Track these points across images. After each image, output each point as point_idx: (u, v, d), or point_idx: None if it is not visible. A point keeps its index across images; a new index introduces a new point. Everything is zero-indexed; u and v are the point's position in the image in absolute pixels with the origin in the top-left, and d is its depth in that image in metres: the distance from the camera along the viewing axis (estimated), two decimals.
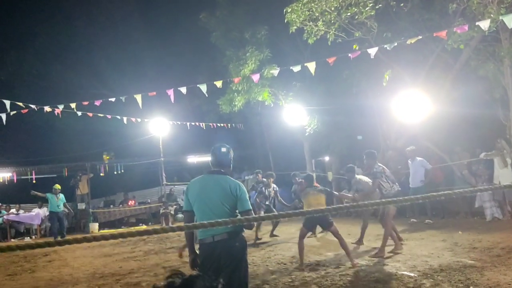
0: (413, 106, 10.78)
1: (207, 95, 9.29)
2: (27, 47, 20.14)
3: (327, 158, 17.92)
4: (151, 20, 20.78)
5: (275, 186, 10.15)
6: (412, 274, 5.89)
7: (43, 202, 16.64)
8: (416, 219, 11.10)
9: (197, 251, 3.70)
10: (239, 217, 3.55)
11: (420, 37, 7.52)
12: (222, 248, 3.49)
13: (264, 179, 10.36)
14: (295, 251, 8.40)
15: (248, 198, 3.64)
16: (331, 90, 14.18)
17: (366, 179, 7.84)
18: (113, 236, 1.79)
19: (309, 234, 9.26)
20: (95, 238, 1.75)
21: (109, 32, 20.19)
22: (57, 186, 13.94)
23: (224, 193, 3.56)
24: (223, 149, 3.82)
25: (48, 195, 13.71)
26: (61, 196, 13.97)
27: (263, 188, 10.00)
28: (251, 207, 3.63)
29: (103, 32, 19.99)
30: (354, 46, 10.33)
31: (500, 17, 6.59)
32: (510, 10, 7.94)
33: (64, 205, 14.11)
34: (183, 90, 8.97)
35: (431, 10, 10.40)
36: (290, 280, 6.15)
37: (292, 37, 13.08)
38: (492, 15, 7.05)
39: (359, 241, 8.44)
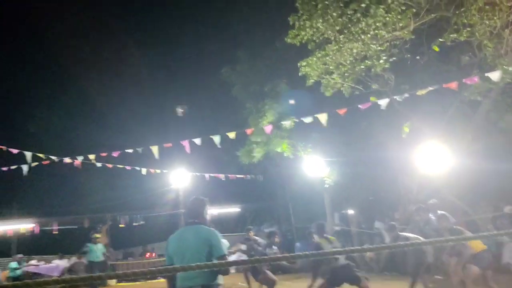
0: (434, 158, 10.59)
1: (219, 146, 9.41)
2: (56, 101, 21.06)
3: (350, 211, 17.56)
4: (175, 75, 21.54)
5: (258, 238, 9.71)
6: None
7: (63, 253, 16.73)
8: (441, 276, 10.57)
9: None
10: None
11: (431, 88, 7.52)
12: None
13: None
14: None
15: (222, 245, 3.72)
16: (350, 141, 14.13)
17: (412, 235, 7.68)
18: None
19: None
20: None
21: (135, 86, 21.01)
22: (96, 235, 13.80)
23: (199, 242, 3.65)
24: (196, 201, 4.03)
25: (89, 245, 13.34)
26: (100, 245, 13.64)
27: (244, 242, 9.74)
28: (225, 253, 3.71)
29: (129, 86, 20.80)
30: (372, 98, 10.38)
31: (511, 68, 6.56)
32: None
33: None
34: (198, 141, 9.13)
35: (447, 62, 10.45)
36: None
37: (311, 90, 13.25)
38: (504, 66, 7.03)
39: None
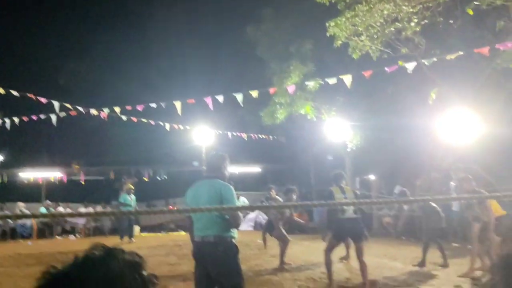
0: (461, 126, 10.40)
1: (242, 105, 9.41)
2: (86, 54, 21.33)
3: (371, 177, 17.53)
4: (199, 31, 21.40)
5: (279, 198, 9.64)
6: None
7: (88, 203, 17.39)
8: (458, 244, 10.61)
9: None
10: (228, 219, 3.74)
11: (461, 53, 7.27)
12: (208, 250, 3.70)
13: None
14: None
15: (234, 199, 3.83)
16: (375, 106, 13.93)
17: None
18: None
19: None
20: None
21: (160, 41, 21.02)
22: (130, 186, 14.17)
23: (212, 195, 3.76)
24: (216, 156, 4.18)
25: (123, 196, 13.73)
26: (133, 197, 13.84)
27: (264, 201, 9.76)
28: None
29: (154, 41, 20.85)
30: (400, 63, 10.13)
31: None
32: None
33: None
34: (220, 98, 9.13)
35: (482, 27, 10.05)
36: None
37: (338, 52, 12.97)
38: None
39: (422, 263, 8.04)
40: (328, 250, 6.40)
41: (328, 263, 6.35)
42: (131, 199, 13.67)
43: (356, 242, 6.36)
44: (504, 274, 0.97)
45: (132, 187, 14.09)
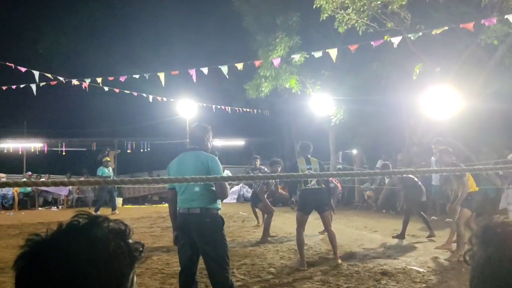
0: (442, 101, 10.51)
1: (227, 77, 9.32)
2: (66, 22, 20.65)
3: (354, 151, 17.72)
4: (184, 2, 20.92)
5: (264, 168, 9.62)
6: (421, 270, 5.81)
7: (71, 174, 17.26)
8: (436, 217, 10.88)
9: None
10: (214, 191, 3.76)
11: (446, 27, 7.29)
12: (194, 222, 3.68)
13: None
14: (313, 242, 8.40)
15: (220, 170, 3.82)
16: (359, 81, 13.96)
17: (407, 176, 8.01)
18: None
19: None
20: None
21: (144, 11, 20.51)
22: (108, 159, 14.07)
23: (197, 167, 3.72)
24: (198, 127, 4.06)
25: (100, 169, 13.62)
26: (111, 169, 13.83)
27: (249, 171, 9.81)
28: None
29: (138, 11, 20.32)
30: (386, 37, 10.12)
31: None
32: None
33: None
34: (205, 70, 9.01)
35: (468, 3, 10.05)
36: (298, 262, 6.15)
37: (324, 25, 12.92)
38: None
39: (401, 235, 8.19)
40: (299, 228, 6.20)
41: (300, 242, 6.14)
42: (109, 172, 13.63)
43: (321, 212, 6.32)
44: (482, 244, 1.00)
45: (109, 159, 14.00)
